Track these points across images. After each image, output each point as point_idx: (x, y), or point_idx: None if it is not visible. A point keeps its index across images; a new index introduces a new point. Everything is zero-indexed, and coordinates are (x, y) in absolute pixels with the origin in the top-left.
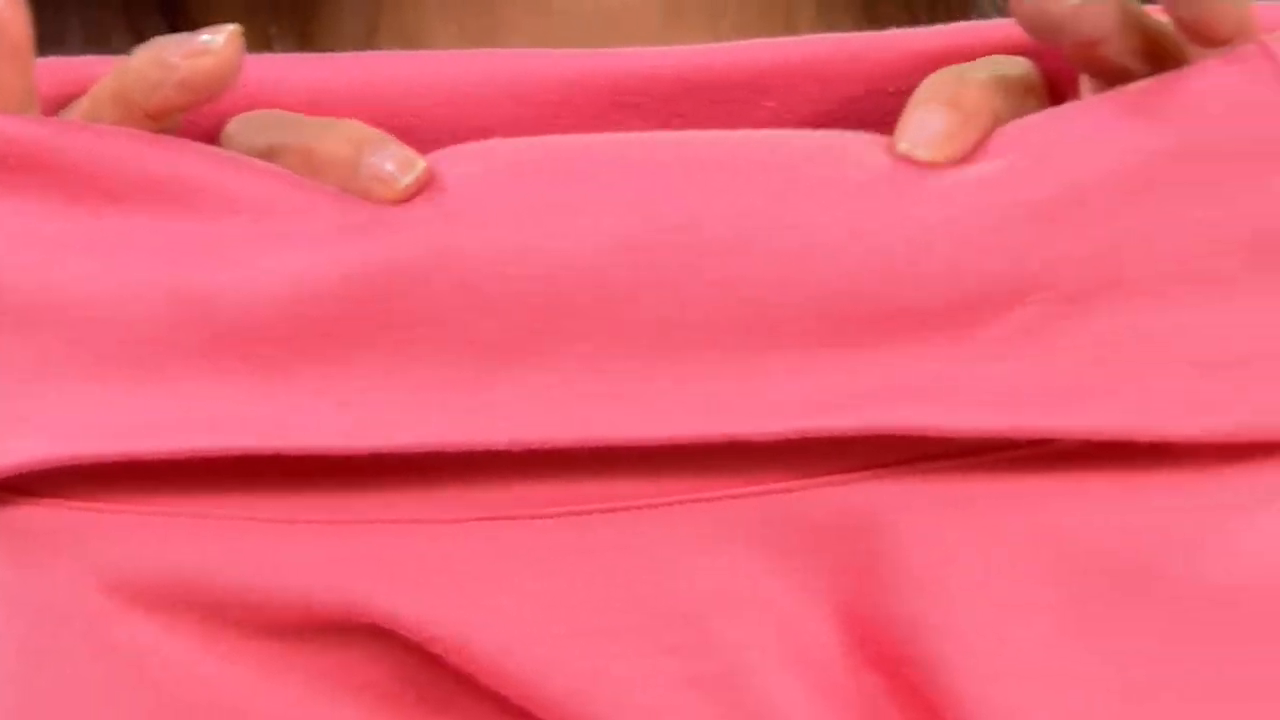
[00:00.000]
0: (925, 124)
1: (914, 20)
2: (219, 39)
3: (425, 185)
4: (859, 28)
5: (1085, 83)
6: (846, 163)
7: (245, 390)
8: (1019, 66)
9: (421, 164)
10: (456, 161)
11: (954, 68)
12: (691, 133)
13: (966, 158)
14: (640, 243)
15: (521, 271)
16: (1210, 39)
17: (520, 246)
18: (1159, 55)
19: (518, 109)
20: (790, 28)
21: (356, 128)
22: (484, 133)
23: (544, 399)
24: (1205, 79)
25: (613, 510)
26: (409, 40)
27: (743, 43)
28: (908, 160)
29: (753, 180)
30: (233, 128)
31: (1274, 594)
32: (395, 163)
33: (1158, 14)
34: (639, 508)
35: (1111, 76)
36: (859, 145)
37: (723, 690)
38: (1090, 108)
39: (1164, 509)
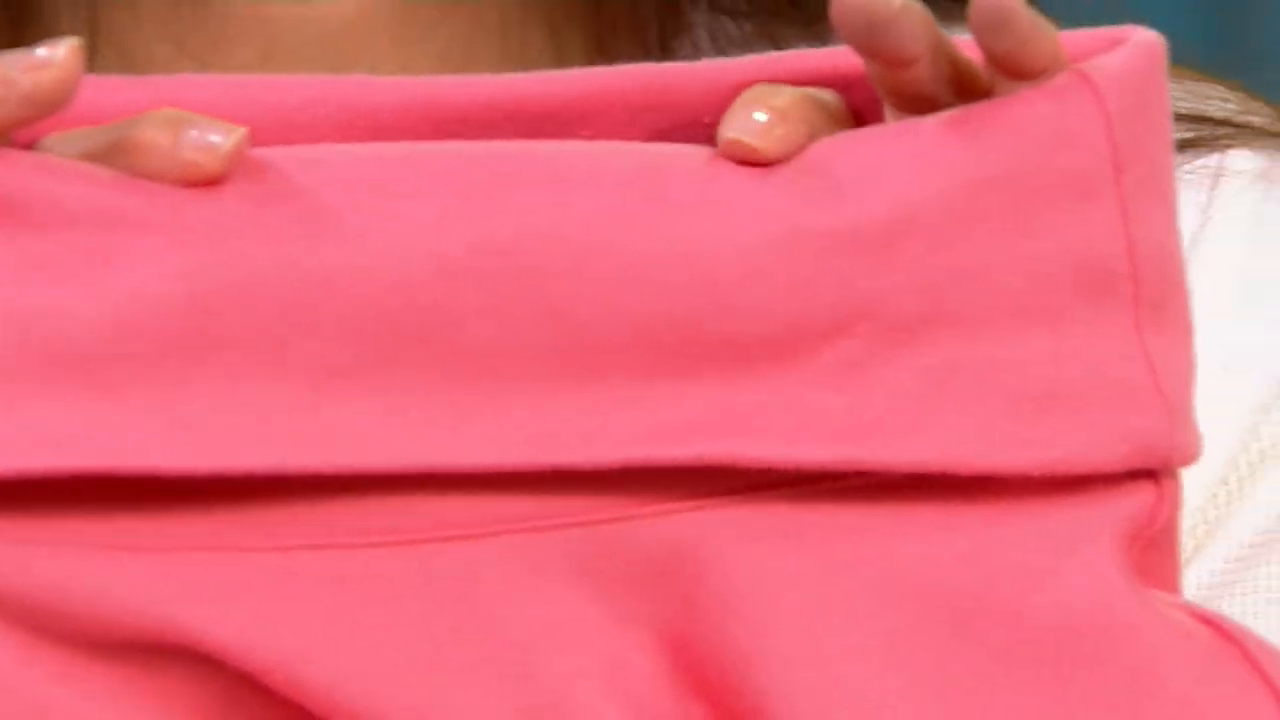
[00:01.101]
0: (749, 117)
1: (646, 54)
2: (60, 52)
3: (245, 152)
4: (589, 59)
5: (890, 116)
6: (673, 181)
7: (78, 411)
8: (828, 94)
9: (241, 130)
10: (288, 169)
11: (760, 86)
12: (520, 146)
13: (797, 174)
14: (467, 267)
15: (350, 294)
16: (1023, 72)
17: (353, 267)
18: (966, 88)
19: (340, 134)
20: (522, 55)
21: (168, 113)
22: None
23: (373, 424)
24: (1030, 108)
25: (442, 540)
26: (128, 60)
27: (560, 72)
28: (735, 162)
29: (577, 202)
30: (47, 143)
31: (1096, 627)
32: (215, 131)
33: (964, 48)
34: (468, 537)
35: (917, 106)
36: (685, 161)
37: None
38: (917, 131)
39: (989, 542)
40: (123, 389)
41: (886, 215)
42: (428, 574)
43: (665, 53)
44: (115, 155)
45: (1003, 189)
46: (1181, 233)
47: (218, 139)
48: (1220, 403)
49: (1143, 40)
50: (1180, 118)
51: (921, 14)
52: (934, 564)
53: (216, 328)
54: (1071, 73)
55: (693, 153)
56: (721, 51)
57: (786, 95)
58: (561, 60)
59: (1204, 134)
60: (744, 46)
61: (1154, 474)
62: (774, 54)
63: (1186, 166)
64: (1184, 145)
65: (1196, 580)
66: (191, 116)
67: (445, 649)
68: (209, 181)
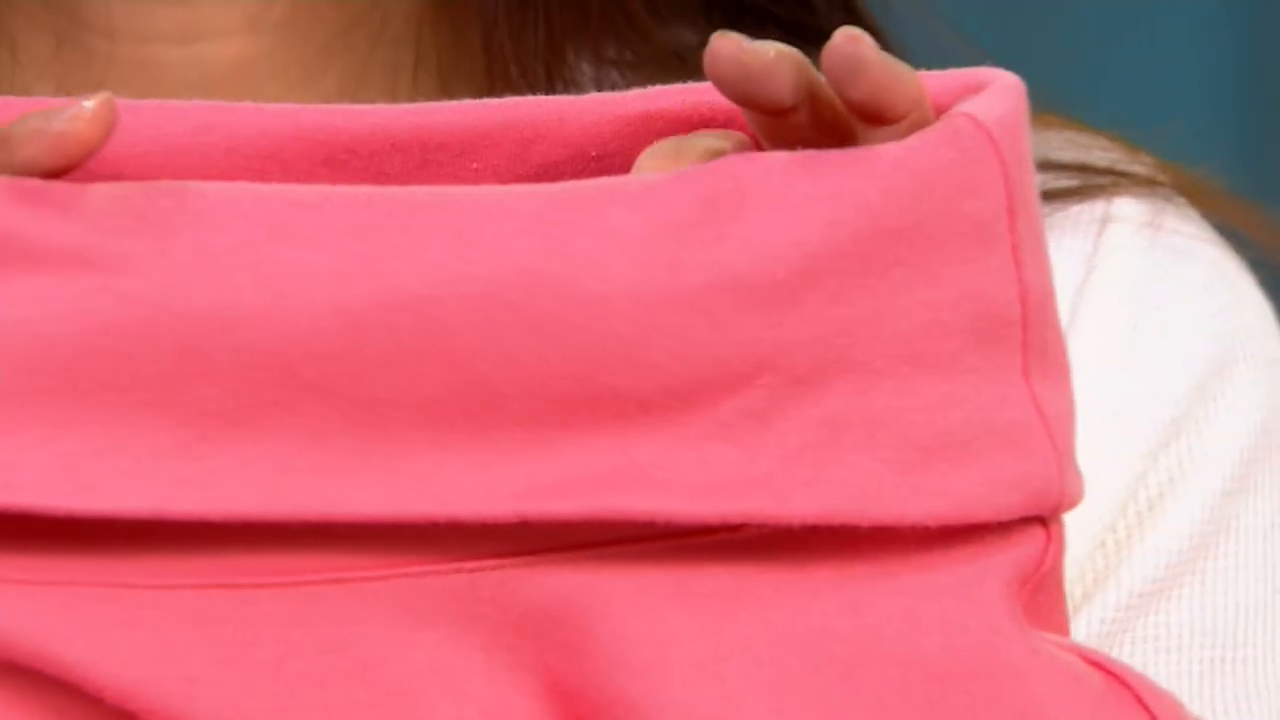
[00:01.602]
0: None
1: (532, 88)
2: (90, 107)
3: (113, 116)
4: (478, 91)
5: None
6: (575, 230)
7: None
8: (731, 139)
9: (102, 93)
10: (192, 206)
11: (672, 139)
12: (427, 193)
13: (703, 207)
14: (371, 320)
15: (247, 340)
16: (882, 118)
17: (248, 313)
18: (842, 132)
19: (229, 160)
20: (392, 91)
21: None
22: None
23: (261, 471)
24: (935, 154)
25: (327, 583)
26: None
27: (451, 103)
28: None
29: (481, 254)
30: None
31: (984, 671)
32: (88, 100)
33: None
34: (354, 580)
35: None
36: (587, 205)
37: None
38: (824, 169)
39: (878, 591)
40: (15, 424)
41: (792, 267)
42: (312, 616)
43: (551, 91)
44: None
45: (908, 238)
46: (1067, 279)
47: (86, 104)
48: (1109, 449)
49: (1011, 84)
50: (1064, 166)
51: (797, 61)
52: (822, 614)
53: (106, 366)
54: (965, 118)
55: (593, 194)
56: None
57: (691, 154)
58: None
59: (1088, 182)
60: None
61: (1043, 518)
62: (660, 87)
63: (1071, 213)
64: (1068, 193)
65: (1086, 628)
66: (53, 110)
67: (327, 691)
68: (87, 151)
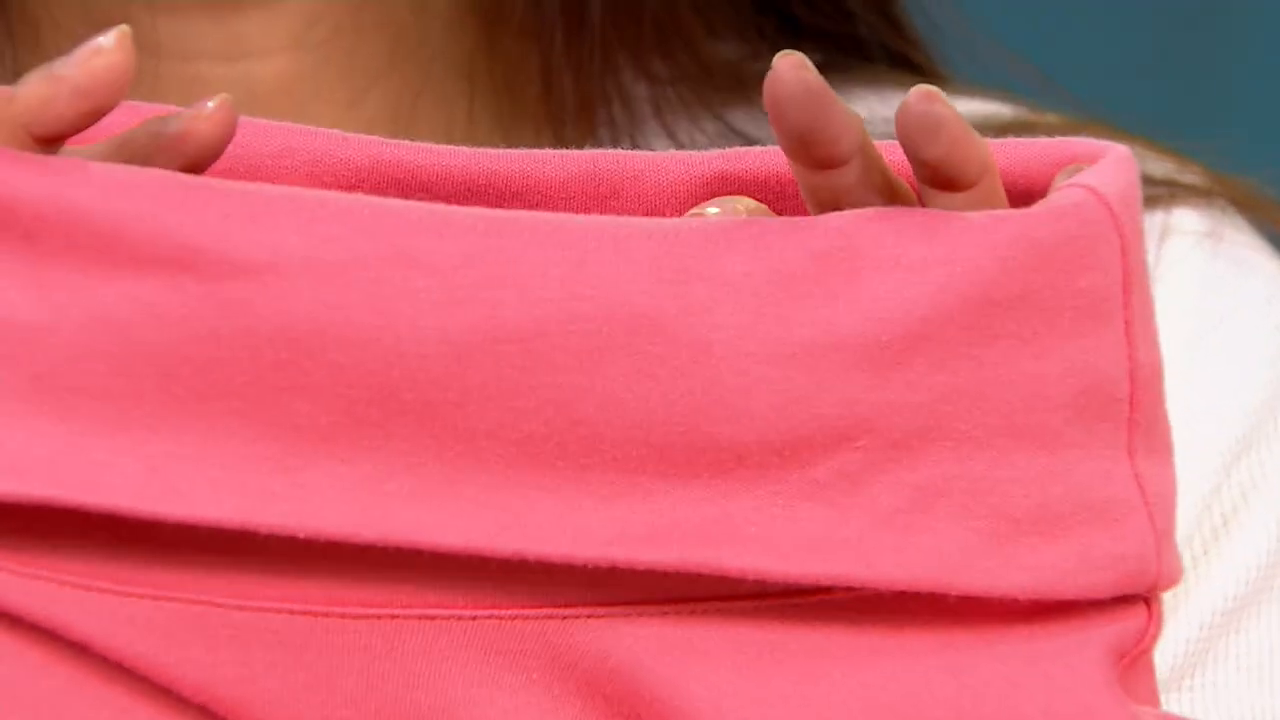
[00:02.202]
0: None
1: (589, 112)
2: (109, 39)
3: (234, 116)
4: (537, 133)
5: None
6: (693, 275)
7: (57, 439)
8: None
9: (226, 94)
10: (309, 217)
11: (717, 201)
12: (537, 219)
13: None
14: (480, 351)
15: (350, 359)
16: (954, 183)
17: (353, 332)
18: (890, 197)
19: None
20: (434, 111)
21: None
22: None
23: (351, 491)
24: (1055, 226)
25: (412, 619)
26: None
27: (528, 152)
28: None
29: (597, 290)
30: None
31: None
32: (209, 101)
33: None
34: (439, 619)
35: None
36: (706, 248)
37: None
38: (945, 230)
39: (975, 659)
40: (107, 424)
41: (899, 330)
42: (398, 650)
43: (611, 127)
44: (4, 115)
45: (1019, 309)
46: None
47: (207, 104)
48: (1178, 463)
49: (1124, 156)
50: None
51: (853, 116)
52: (921, 677)
53: (203, 373)
54: (1086, 190)
55: (710, 237)
56: (668, 125)
57: (741, 210)
58: (507, 135)
59: (1147, 193)
60: (687, 117)
61: (1145, 596)
62: (738, 150)
63: None
64: None
65: (1173, 648)
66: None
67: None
68: (207, 153)
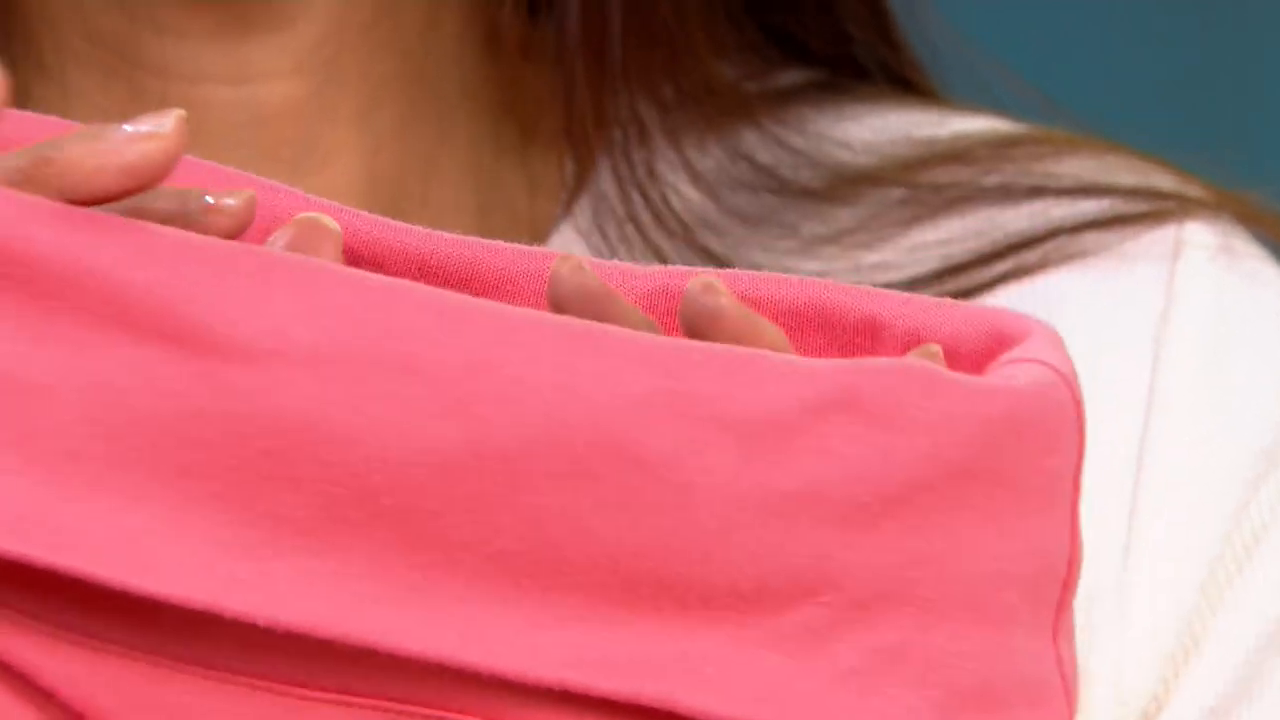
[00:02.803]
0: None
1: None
2: (166, 123)
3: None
4: (559, 161)
5: None
6: (690, 407)
7: (37, 497)
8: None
9: (175, 112)
10: (316, 296)
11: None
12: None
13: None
14: (460, 463)
15: (336, 457)
16: None
17: (342, 432)
18: None
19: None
20: (442, 128)
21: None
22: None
23: (318, 585)
24: (1028, 403)
25: (375, 710)
26: None
27: (478, 240)
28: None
29: (575, 413)
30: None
31: None
32: (143, 124)
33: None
34: (403, 714)
35: None
36: (705, 388)
37: None
38: (931, 396)
39: None
40: (80, 485)
41: (880, 492)
42: None
43: (624, 150)
44: (39, 174)
45: (992, 483)
46: (1148, 307)
47: (152, 124)
48: (1203, 477)
49: (1054, 335)
50: (1132, 191)
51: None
52: None
53: (189, 451)
54: (1053, 370)
55: (716, 367)
56: (679, 148)
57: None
58: (519, 158)
59: (1156, 207)
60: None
61: None
62: (679, 268)
63: (1143, 240)
64: (1138, 219)
65: (1220, 675)
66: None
67: None
68: (157, 174)
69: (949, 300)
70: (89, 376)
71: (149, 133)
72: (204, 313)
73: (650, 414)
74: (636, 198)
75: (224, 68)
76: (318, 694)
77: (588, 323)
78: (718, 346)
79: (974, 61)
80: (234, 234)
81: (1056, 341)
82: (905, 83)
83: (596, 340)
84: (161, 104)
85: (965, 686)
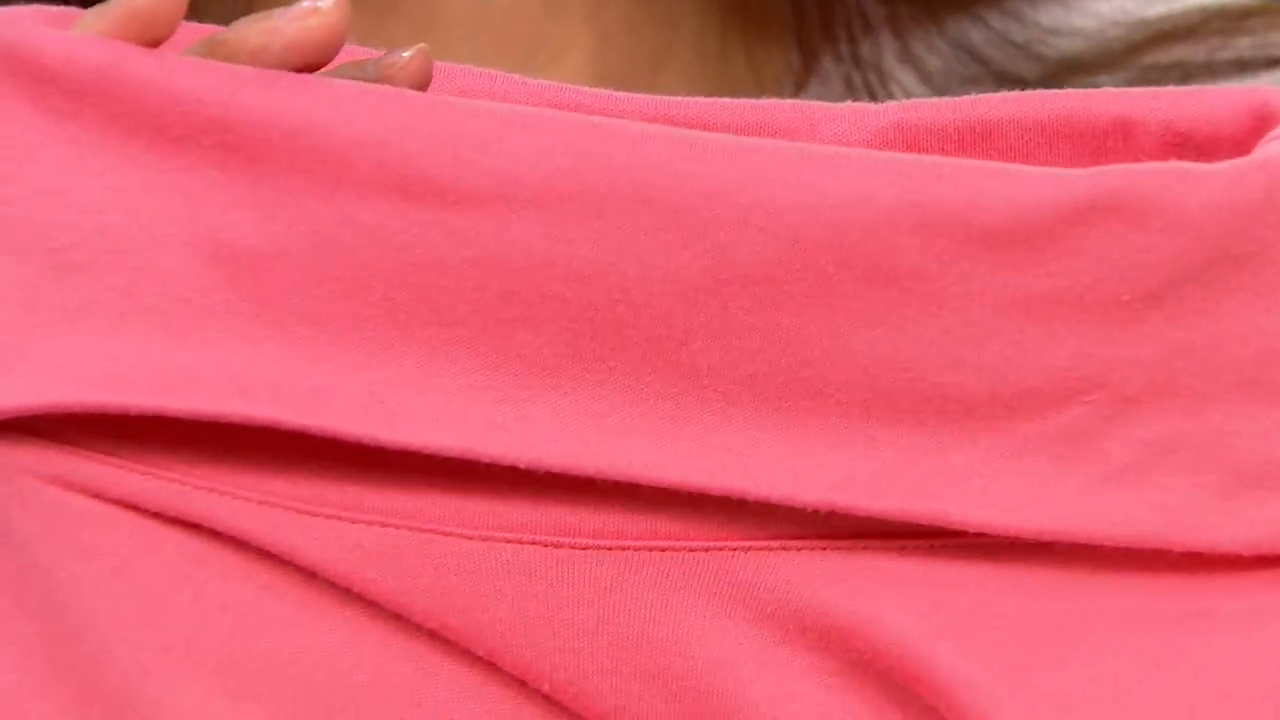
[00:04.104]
0: None
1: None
2: (327, 2)
3: (429, 61)
4: (786, 57)
5: None
6: (935, 232)
7: (281, 363)
8: None
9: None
10: (539, 139)
11: None
12: (781, 150)
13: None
14: (701, 288)
15: (576, 293)
16: None
17: (580, 266)
18: None
19: None
20: (670, 23)
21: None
22: None
23: (573, 424)
24: (1276, 174)
25: (644, 549)
26: None
27: (704, 100)
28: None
29: (830, 230)
30: None
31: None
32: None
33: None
34: (671, 550)
35: None
36: (954, 200)
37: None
38: (1190, 190)
39: (1188, 613)
40: (327, 349)
41: (1142, 290)
42: (630, 581)
43: (851, 44)
44: (212, 56)
45: (1255, 263)
46: None
47: (313, 2)
48: None
49: None
50: None
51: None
52: (1163, 630)
53: (428, 301)
54: None
55: (964, 179)
56: (904, 41)
57: None
58: (751, 54)
59: None
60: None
61: None
62: (916, 101)
63: None
64: None
65: None
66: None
67: (641, 655)
68: (321, 50)
69: (1201, 87)
70: (317, 238)
71: (309, 9)
72: (425, 162)
73: (897, 228)
74: (861, 89)
75: None
76: (586, 541)
77: (825, 146)
78: (960, 161)
79: None
80: (337, 36)
81: None
82: None
83: (836, 161)
84: (395, 3)
85: (1244, 465)
